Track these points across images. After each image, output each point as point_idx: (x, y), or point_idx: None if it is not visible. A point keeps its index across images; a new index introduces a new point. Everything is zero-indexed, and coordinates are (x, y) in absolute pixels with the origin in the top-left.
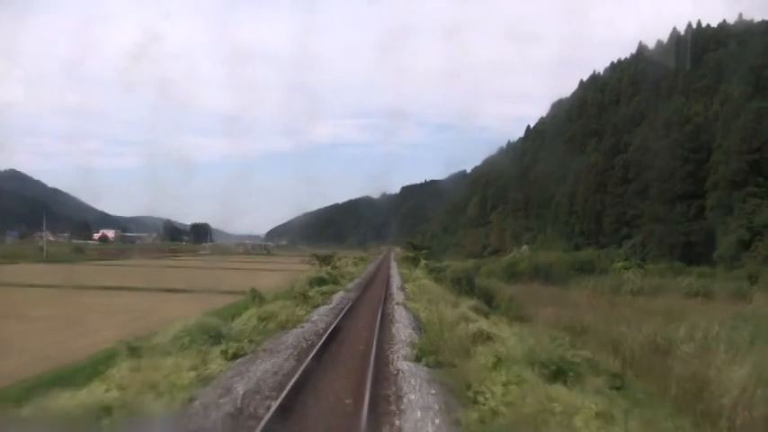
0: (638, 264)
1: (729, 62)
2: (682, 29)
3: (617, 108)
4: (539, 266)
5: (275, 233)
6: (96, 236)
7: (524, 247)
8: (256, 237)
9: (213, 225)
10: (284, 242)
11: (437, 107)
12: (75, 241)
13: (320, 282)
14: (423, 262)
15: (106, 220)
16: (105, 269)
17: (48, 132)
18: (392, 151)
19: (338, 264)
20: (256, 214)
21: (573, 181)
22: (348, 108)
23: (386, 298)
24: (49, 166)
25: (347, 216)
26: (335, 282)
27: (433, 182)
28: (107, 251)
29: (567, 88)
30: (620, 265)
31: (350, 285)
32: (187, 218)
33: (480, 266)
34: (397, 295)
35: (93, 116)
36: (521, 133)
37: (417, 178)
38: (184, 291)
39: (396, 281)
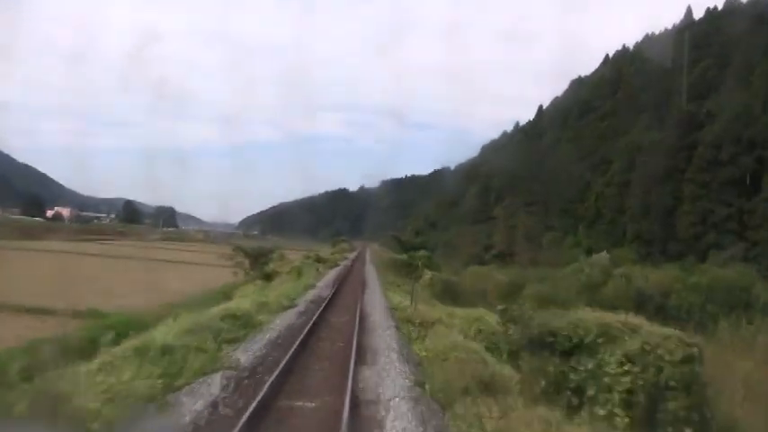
0: None
1: None
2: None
3: (672, 76)
4: (646, 294)
5: (249, 222)
6: (50, 213)
7: (601, 255)
8: (230, 225)
9: (185, 210)
10: (255, 232)
11: (425, 106)
12: (21, 217)
13: None
14: (428, 275)
15: (78, 200)
16: None
17: (23, 108)
18: (376, 147)
19: (273, 269)
20: (233, 202)
21: (623, 167)
22: (335, 102)
23: None
24: (22, 142)
25: (323, 208)
26: None
27: (415, 176)
28: (26, 229)
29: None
30: None
31: None
32: (163, 203)
33: (519, 285)
34: None
35: (75, 96)
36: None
37: (399, 173)
38: None
39: None
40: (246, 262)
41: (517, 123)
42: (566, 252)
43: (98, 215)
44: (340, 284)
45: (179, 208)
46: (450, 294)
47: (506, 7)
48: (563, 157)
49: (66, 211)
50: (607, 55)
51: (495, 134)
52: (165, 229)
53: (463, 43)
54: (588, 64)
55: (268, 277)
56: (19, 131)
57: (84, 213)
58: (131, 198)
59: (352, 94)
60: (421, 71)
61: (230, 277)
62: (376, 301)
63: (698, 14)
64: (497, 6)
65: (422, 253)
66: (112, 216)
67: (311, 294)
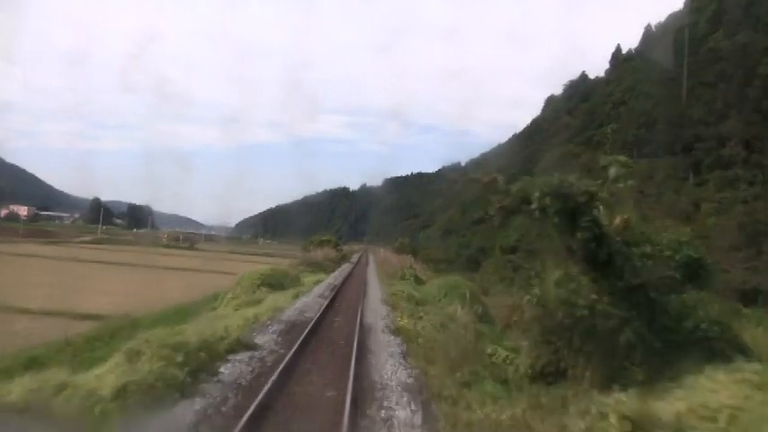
0: None
1: None
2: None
3: None
4: None
5: (246, 225)
6: (4, 212)
7: None
8: (228, 227)
9: (185, 213)
10: (248, 235)
11: (427, 108)
12: None
13: None
14: None
15: (74, 204)
16: None
17: (22, 110)
18: (379, 149)
19: None
20: (234, 204)
21: None
22: (337, 104)
23: None
24: (19, 144)
25: (323, 208)
26: None
27: (421, 174)
28: None
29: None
30: None
31: None
32: (158, 206)
33: None
34: None
35: (75, 97)
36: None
37: (402, 173)
38: None
39: None
40: None
41: (619, 47)
42: None
43: (60, 214)
44: None
45: (180, 211)
46: None
47: (508, 8)
48: None
49: (23, 210)
50: None
51: (498, 136)
52: (136, 230)
53: (465, 45)
54: (591, 65)
55: None
56: (17, 133)
57: (45, 213)
58: (135, 202)
59: (355, 97)
60: (423, 73)
61: None
62: None
63: None
64: (499, 8)
65: None
66: (76, 216)
67: None
